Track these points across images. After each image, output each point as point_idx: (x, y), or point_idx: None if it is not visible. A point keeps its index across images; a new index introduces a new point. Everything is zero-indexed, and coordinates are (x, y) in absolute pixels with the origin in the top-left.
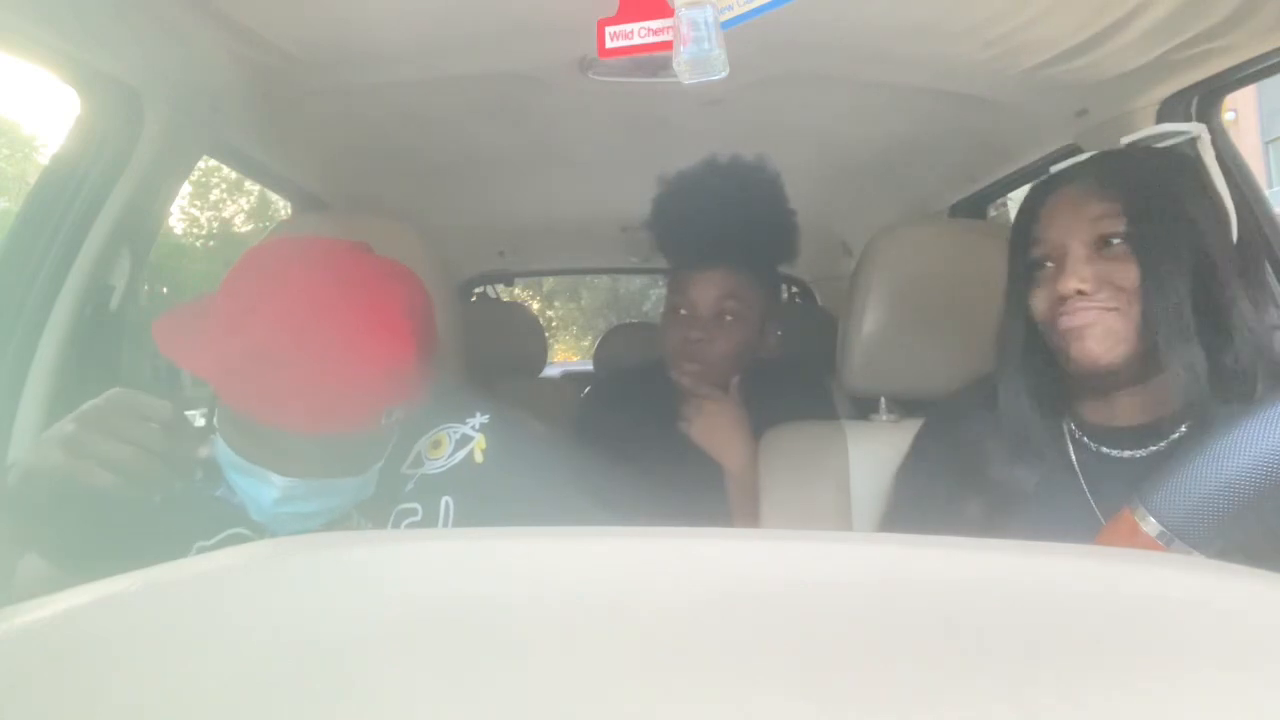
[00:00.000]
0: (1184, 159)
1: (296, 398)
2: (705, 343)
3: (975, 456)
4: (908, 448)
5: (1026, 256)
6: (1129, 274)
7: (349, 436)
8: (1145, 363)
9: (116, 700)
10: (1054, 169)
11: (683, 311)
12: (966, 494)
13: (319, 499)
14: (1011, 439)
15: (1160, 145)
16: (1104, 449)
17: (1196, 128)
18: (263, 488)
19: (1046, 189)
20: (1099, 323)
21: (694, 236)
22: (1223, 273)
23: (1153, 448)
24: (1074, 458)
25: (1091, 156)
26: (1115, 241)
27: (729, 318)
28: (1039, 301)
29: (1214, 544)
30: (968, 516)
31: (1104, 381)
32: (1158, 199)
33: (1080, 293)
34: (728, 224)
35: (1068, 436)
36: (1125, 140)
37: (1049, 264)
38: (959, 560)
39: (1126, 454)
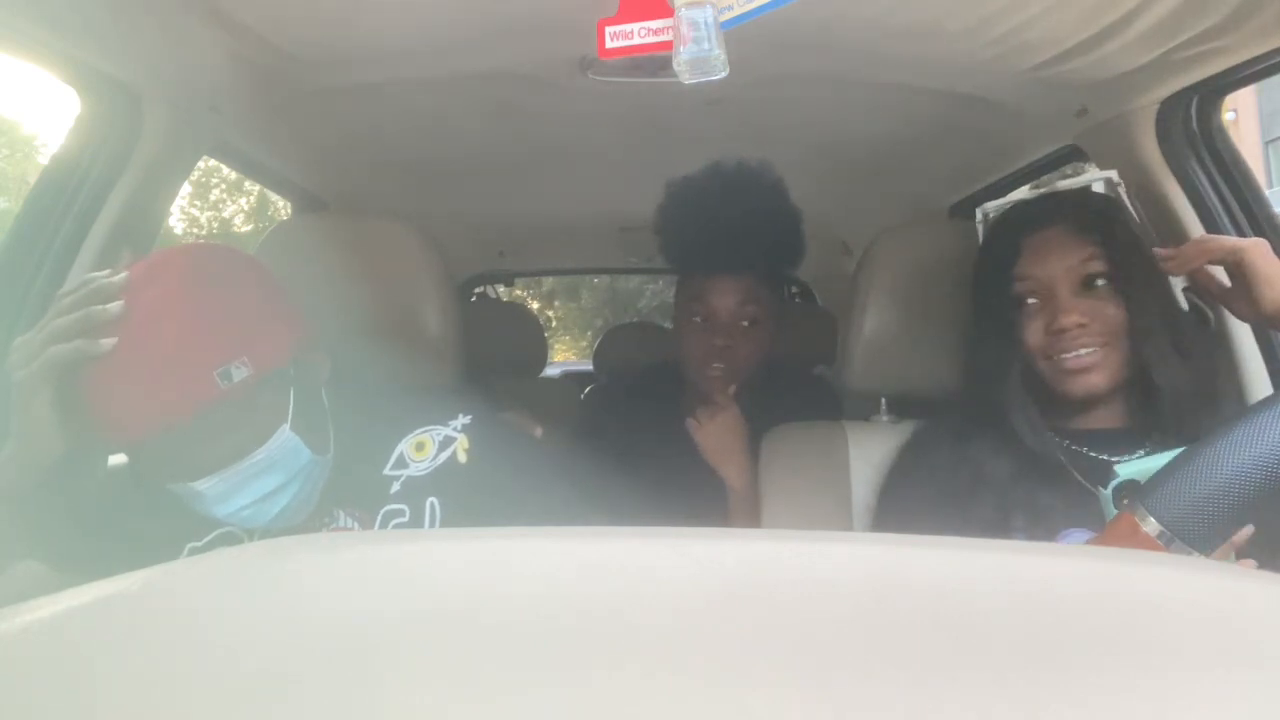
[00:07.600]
0: (1117, 201)
1: (112, 410)
2: (730, 349)
3: (986, 479)
4: (895, 459)
5: (1006, 291)
6: (1116, 311)
7: (204, 415)
8: (1129, 380)
9: (116, 700)
10: (1014, 198)
11: (703, 319)
12: (976, 513)
13: (257, 484)
14: (1037, 463)
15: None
16: (1097, 455)
17: (1111, 174)
18: (196, 498)
19: (1020, 228)
20: (1102, 364)
21: (709, 244)
22: (1172, 297)
23: (1140, 452)
24: (1076, 470)
25: (1056, 197)
26: (1100, 282)
27: (751, 322)
28: (1032, 335)
29: (1214, 544)
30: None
31: (1092, 401)
32: (1126, 240)
33: (1080, 326)
34: (742, 230)
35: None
36: (1062, 185)
37: (1032, 300)
38: (959, 560)
39: (1118, 459)
